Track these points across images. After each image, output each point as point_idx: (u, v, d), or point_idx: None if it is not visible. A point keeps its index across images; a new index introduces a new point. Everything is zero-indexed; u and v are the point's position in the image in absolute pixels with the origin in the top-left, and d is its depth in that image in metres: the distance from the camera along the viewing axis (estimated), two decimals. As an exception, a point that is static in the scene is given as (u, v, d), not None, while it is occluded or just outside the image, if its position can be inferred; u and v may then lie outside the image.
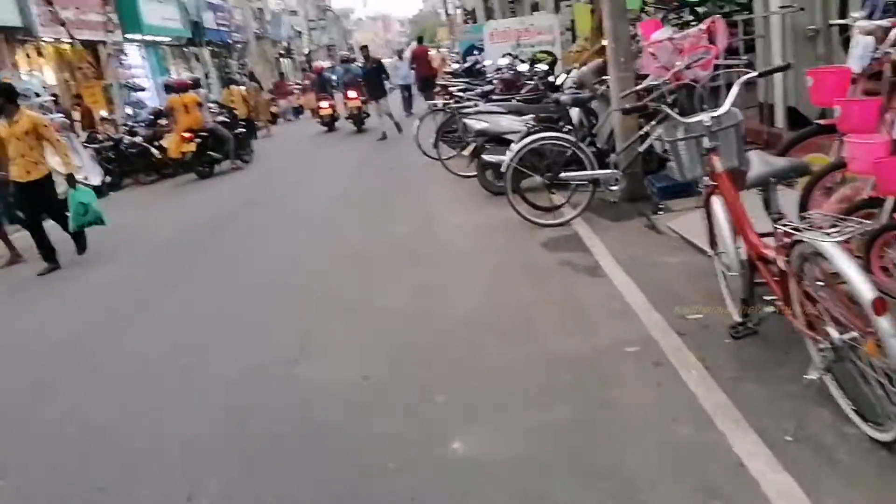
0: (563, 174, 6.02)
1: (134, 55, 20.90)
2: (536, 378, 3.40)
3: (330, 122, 18.04)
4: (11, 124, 7.16)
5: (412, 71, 18.44)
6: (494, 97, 8.93)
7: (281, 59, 45.65)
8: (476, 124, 7.51)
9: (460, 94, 10.22)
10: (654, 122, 5.84)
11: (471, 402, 3.29)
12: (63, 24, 14.35)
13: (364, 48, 16.90)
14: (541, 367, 3.50)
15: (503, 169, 6.04)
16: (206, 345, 4.61)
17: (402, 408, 3.34)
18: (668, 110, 3.55)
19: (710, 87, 6.19)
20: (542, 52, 13.28)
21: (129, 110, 16.69)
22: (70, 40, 14.80)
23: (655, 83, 6.18)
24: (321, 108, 17.96)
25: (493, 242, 5.94)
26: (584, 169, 6.08)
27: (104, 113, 15.30)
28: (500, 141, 7.45)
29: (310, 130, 19.34)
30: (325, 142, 16.72)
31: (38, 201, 7.59)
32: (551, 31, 13.33)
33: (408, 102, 18.84)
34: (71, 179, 7.49)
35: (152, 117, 15.25)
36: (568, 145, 5.96)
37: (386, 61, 18.43)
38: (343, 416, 3.37)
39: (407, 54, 20.70)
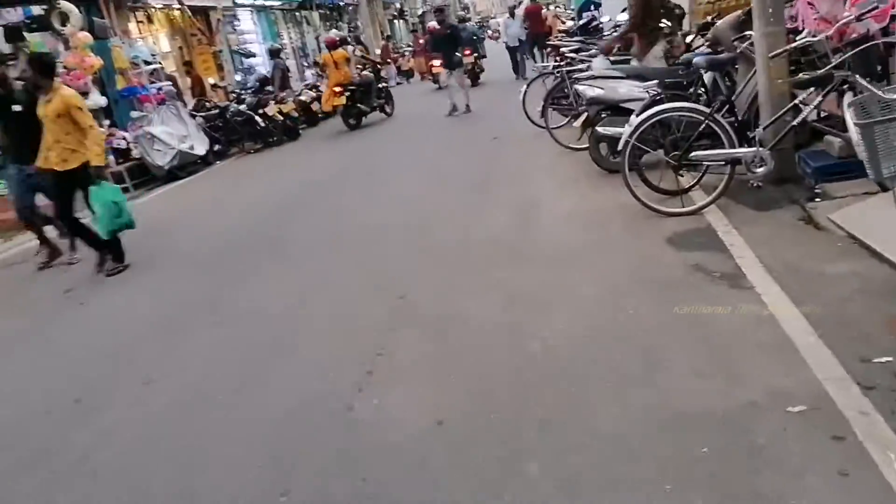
0: (694, 153, 4.97)
1: (246, 20, 20.89)
2: (659, 449, 2.53)
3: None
4: (45, 104, 6.07)
5: (524, 30, 17.19)
6: (612, 59, 7.83)
7: (395, 21, 45.25)
8: (589, 91, 6.53)
9: (572, 54, 9.14)
10: (812, 90, 4.68)
11: (572, 478, 2.48)
12: (172, -10, 14.24)
13: (439, 11, 15.37)
14: (665, 432, 2.62)
15: (620, 147, 5.06)
16: (264, 360, 4.03)
17: (481, 480, 2.57)
18: (861, 81, 2.52)
19: (885, 44, 4.98)
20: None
21: (238, 77, 16.58)
22: (179, 6, 14.70)
23: (814, 39, 5.01)
24: (433, 66, 17.68)
25: (606, 236, 5.01)
26: (721, 146, 5.01)
27: (212, 80, 15.23)
28: (617, 110, 6.46)
29: (418, 90, 19.21)
30: (431, 105, 16.02)
31: (73, 194, 6.40)
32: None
33: (518, 65, 17.65)
34: (98, 172, 6.19)
35: (259, 84, 15.03)
36: (701, 117, 4.89)
37: (499, 19, 17.58)
38: (404, 481, 2.66)
39: (519, 12, 19.29)
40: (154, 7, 14.83)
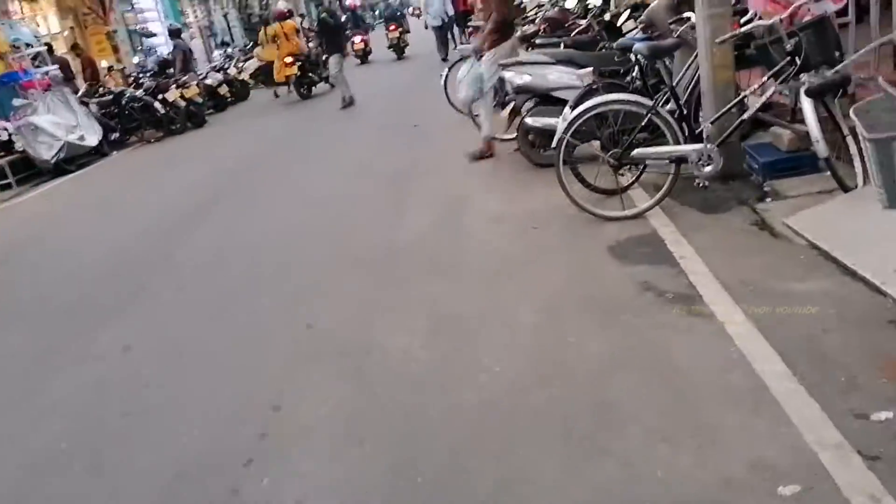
0: (636, 150, 4.46)
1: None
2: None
3: (363, 56, 19.75)
4: None
5: (445, 8, 16.13)
6: (538, 42, 7.28)
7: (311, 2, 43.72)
8: (516, 78, 5.95)
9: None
10: (768, 79, 4.24)
11: None
12: (55, -37, 12.85)
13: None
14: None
15: (554, 144, 4.50)
16: (129, 424, 3.30)
17: None
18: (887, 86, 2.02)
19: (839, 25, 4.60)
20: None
21: (136, 59, 15.28)
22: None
23: (764, 23, 4.56)
24: (355, 43, 19.09)
25: (540, 244, 4.46)
26: (663, 141, 4.52)
27: (106, 63, 13.92)
28: (547, 99, 5.92)
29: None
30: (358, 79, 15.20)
31: None
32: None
33: (442, 45, 16.34)
34: None
35: (158, 67, 13.85)
36: (643, 110, 4.38)
37: None
38: None
39: None
40: (36, -19, 13.40)
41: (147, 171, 10.35)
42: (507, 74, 6.01)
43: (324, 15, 13.06)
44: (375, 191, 6.51)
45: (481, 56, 6.57)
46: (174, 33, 13.85)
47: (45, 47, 12.84)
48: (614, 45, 5.30)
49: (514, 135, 6.29)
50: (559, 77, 5.75)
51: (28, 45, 11.72)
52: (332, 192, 6.83)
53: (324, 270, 4.78)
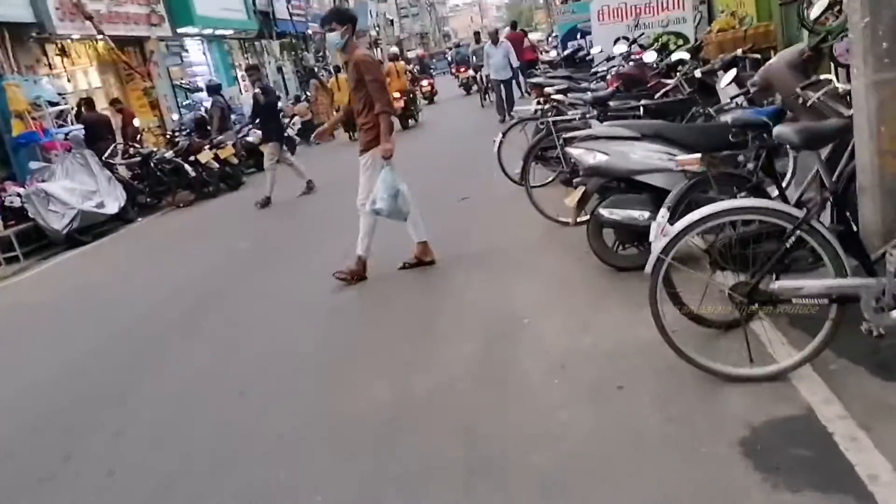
0: (777, 284, 2.96)
1: (194, 51, 18.90)
2: None
3: (430, 97, 22.68)
4: None
5: (513, 57, 14.73)
6: (613, 105, 5.89)
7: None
8: (587, 157, 4.56)
9: (560, 96, 7.19)
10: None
11: None
12: (90, 18, 12.21)
13: (252, 70, 11.85)
14: None
15: (648, 269, 3.05)
16: None
17: None
18: None
19: None
20: (668, 33, 10.08)
21: (175, 116, 14.53)
22: (101, 36, 12.65)
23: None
24: (423, 86, 21.81)
25: (630, 429, 2.93)
26: (812, 263, 3.04)
27: (138, 122, 13.12)
28: (629, 184, 4.52)
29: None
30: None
31: None
32: (682, 6, 10.03)
33: (507, 102, 14.41)
34: None
35: (195, 125, 13.01)
36: (789, 224, 2.90)
37: (483, 47, 15.80)
38: None
39: (503, 39, 17.46)
40: (70, 38, 12.76)
41: (165, 244, 9.29)
42: (577, 152, 4.62)
43: (257, 91, 10.57)
44: (401, 300, 5.14)
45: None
46: (212, 89, 13.02)
47: (73, 104, 12.13)
48: (730, 119, 3.84)
49: (580, 216, 4.87)
50: (645, 157, 4.33)
51: (51, 102, 10.95)
52: (331, 303, 5.49)
53: (286, 456, 3.38)
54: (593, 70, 9.13)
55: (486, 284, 4.98)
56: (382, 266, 5.74)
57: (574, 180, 4.82)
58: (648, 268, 3.04)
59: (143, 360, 4.93)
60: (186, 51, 18.55)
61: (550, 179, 7.42)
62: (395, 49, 22.23)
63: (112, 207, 10.44)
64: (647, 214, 4.33)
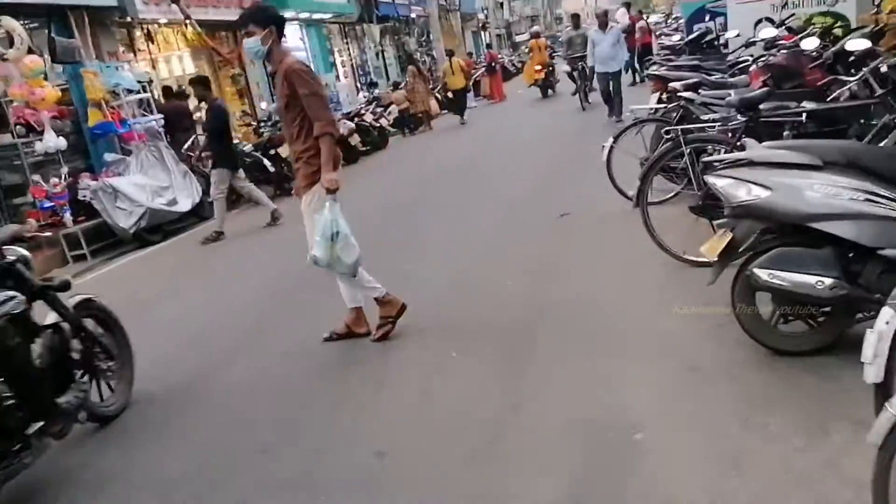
0: None
1: (292, 36, 18.25)
2: None
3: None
4: None
5: (621, 49, 12.33)
6: (764, 111, 4.38)
7: (479, 34, 42.45)
8: (738, 190, 3.17)
9: (688, 93, 5.70)
10: None
11: None
12: (176, 2, 11.55)
13: (197, 84, 9.54)
14: None
15: (874, 438, 1.70)
16: None
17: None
18: None
19: None
20: (824, 14, 8.27)
21: (263, 105, 13.83)
22: (187, 20, 12.01)
23: None
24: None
25: None
26: None
27: (237, 111, 12.43)
28: (801, 233, 3.10)
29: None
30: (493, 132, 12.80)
31: None
32: (843, -20, 8.19)
33: (609, 98, 12.13)
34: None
35: (279, 117, 12.19)
36: None
37: (587, 32, 13.85)
38: None
39: (620, 21, 15.93)
40: (156, 23, 12.22)
41: (234, 247, 8.46)
42: (723, 182, 3.22)
43: (199, 114, 8.97)
44: (452, 389, 3.91)
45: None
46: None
47: (159, 92, 11.59)
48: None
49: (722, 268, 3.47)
50: (832, 197, 2.90)
51: (129, 90, 10.36)
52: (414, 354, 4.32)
53: None
54: (731, 59, 7.51)
55: (576, 364, 3.63)
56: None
57: (716, 221, 3.41)
58: (875, 437, 1.68)
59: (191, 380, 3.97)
60: (284, 36, 17.88)
61: (673, 195, 6.01)
62: (536, 28, 24.07)
63: (185, 205, 9.76)
64: (829, 282, 2.92)
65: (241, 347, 4.86)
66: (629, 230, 5.19)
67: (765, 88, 4.32)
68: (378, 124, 15.09)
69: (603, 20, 12.55)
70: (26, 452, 3.14)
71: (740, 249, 3.24)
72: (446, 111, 20.76)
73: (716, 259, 3.32)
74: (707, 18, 12.31)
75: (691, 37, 12.16)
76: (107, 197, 8.84)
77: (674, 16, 31.08)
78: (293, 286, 6.01)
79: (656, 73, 6.86)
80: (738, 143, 4.08)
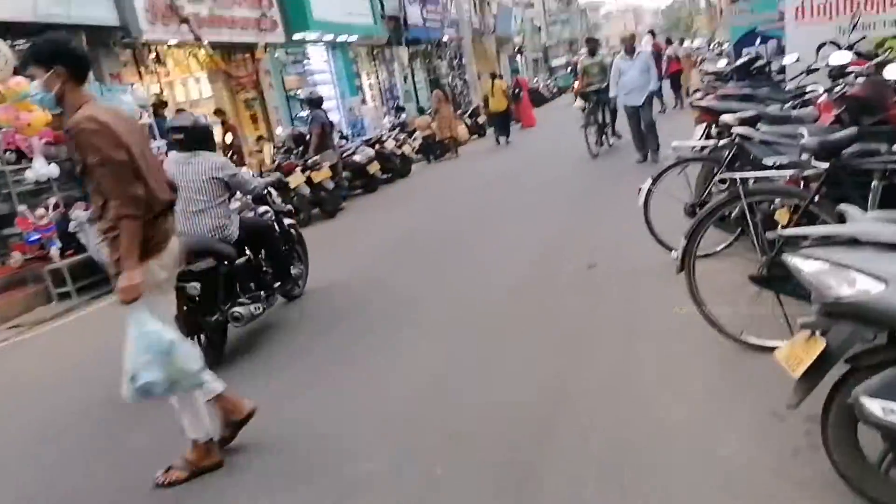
0: None
1: (316, 58, 17.66)
2: None
3: None
4: None
5: (650, 77, 10.32)
6: (852, 153, 3.40)
7: (516, 58, 41.80)
8: (836, 279, 2.16)
9: (744, 129, 4.72)
10: None
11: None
12: (185, 21, 10.99)
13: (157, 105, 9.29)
14: None
15: None
16: None
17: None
18: None
19: None
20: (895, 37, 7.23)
21: (279, 131, 13.13)
22: (196, 40, 11.39)
23: None
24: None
25: None
26: None
27: (229, 138, 11.69)
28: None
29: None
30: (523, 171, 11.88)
31: None
32: (922, -2, 7.14)
33: (646, 132, 10.24)
34: None
35: (294, 142, 11.45)
36: None
37: (611, 60, 12.48)
38: None
39: (646, 47, 14.63)
40: (165, 44, 11.60)
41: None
42: (813, 268, 2.24)
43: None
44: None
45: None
46: (313, 103, 11.44)
47: (171, 115, 10.93)
48: None
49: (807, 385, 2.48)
50: None
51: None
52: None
53: None
54: (791, 89, 6.50)
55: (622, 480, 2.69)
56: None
57: (802, 320, 2.41)
58: None
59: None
60: (308, 58, 17.31)
61: (725, 246, 5.03)
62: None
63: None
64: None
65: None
66: (667, 291, 4.22)
67: (853, 128, 3.32)
68: (400, 151, 14.30)
69: (630, 45, 10.67)
70: (273, 298, 5.61)
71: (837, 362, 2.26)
72: (476, 136, 20.01)
73: (799, 370, 2.33)
74: (758, 42, 11.31)
75: (739, 62, 11.11)
76: (90, 230, 8.12)
77: (717, 40, 29.97)
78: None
79: (703, 103, 5.88)
80: (819, 201, 3.12)
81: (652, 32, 17.90)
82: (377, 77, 21.38)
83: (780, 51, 11.23)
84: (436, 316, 5.28)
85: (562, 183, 10.09)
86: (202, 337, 4.90)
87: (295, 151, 11.26)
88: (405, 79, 21.92)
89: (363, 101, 18.49)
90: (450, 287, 5.99)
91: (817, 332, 2.31)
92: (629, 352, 3.90)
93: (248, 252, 5.45)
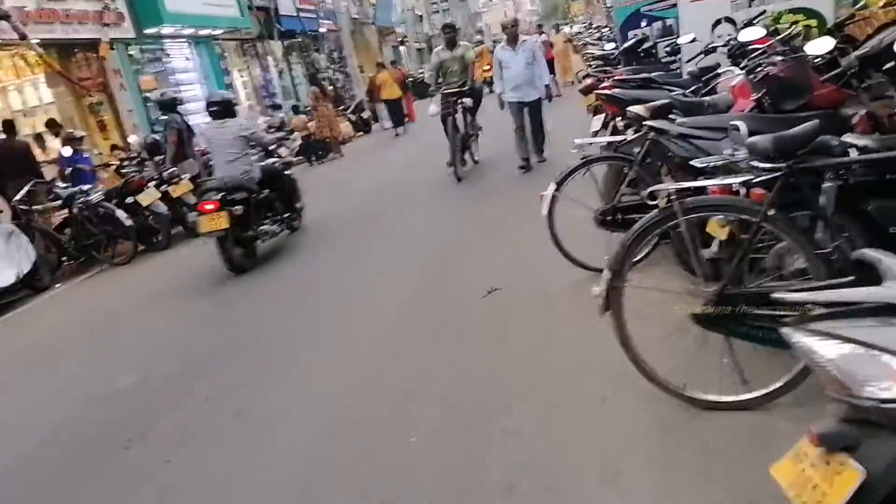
0: None
1: (177, 55, 16.03)
2: None
3: None
4: None
5: (539, 69, 8.89)
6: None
7: (400, 48, 40.75)
8: (874, 372, 1.35)
9: (660, 123, 3.98)
10: None
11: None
12: (5, 17, 9.34)
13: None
14: None
15: None
16: None
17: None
18: None
19: None
20: (790, 11, 6.77)
21: (132, 139, 11.56)
22: (20, 39, 9.70)
23: None
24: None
25: None
26: None
27: (67, 151, 10.03)
28: None
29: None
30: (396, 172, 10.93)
31: None
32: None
33: (534, 132, 8.90)
34: None
35: (149, 152, 10.00)
36: None
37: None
38: None
39: (532, 39, 11.40)
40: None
41: (61, 333, 6.33)
42: (830, 351, 1.43)
43: None
44: None
45: None
46: (166, 105, 10.03)
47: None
48: None
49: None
50: None
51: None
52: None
53: None
54: (695, 69, 5.86)
55: None
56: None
57: (816, 430, 1.59)
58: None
59: None
60: (168, 55, 15.66)
61: (639, 258, 4.30)
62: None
63: (6, 277, 7.53)
64: None
65: None
66: (587, 320, 3.41)
67: (814, 122, 2.58)
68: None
69: (512, 32, 8.89)
70: (282, 226, 7.61)
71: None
72: (361, 133, 18.96)
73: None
74: (643, 24, 10.86)
75: (627, 44, 10.65)
76: None
77: (593, 25, 30.01)
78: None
79: (607, 91, 5.10)
80: (774, 215, 2.36)
81: (539, 26, 17.33)
82: (250, 74, 19.87)
83: (666, 32, 10.90)
84: (306, 371, 4.28)
85: (452, 190, 9.11)
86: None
87: (149, 162, 9.85)
88: (281, 74, 20.48)
89: (235, 102, 16.99)
90: (325, 331, 4.98)
91: (842, 452, 1.50)
92: (545, 423, 3.05)
93: (266, 190, 7.39)
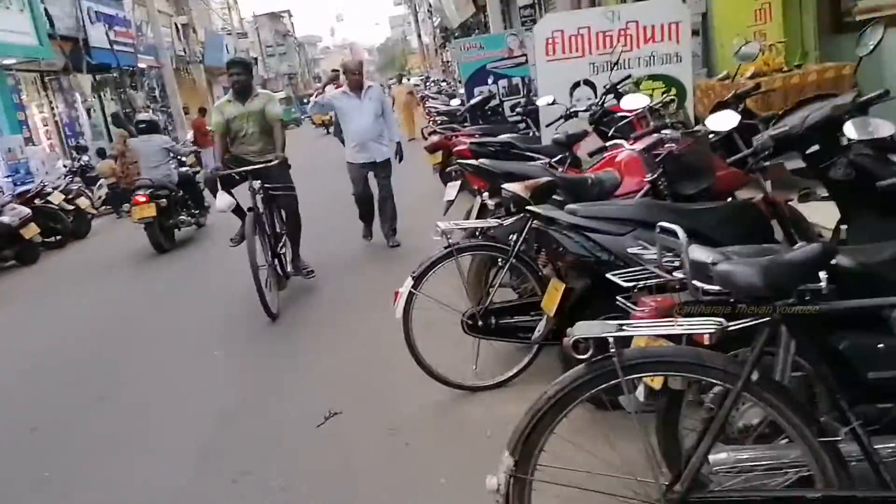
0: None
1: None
2: None
3: None
4: None
5: (387, 124, 7.13)
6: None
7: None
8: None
9: (550, 210, 3.13)
10: None
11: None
12: None
13: None
14: None
15: None
16: None
17: None
18: None
19: None
20: (654, 77, 6.39)
21: None
22: None
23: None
24: None
25: None
26: None
27: None
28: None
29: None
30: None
31: None
32: (675, 36, 6.37)
33: (382, 203, 7.12)
34: None
35: None
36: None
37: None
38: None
39: (374, 82, 9.20)
40: None
41: None
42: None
43: None
44: None
45: None
46: None
47: None
48: None
49: None
50: None
51: None
52: None
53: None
54: (561, 134, 5.18)
55: None
56: None
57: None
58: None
59: None
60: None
61: (524, 365, 3.43)
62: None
63: None
64: None
65: None
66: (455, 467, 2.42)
67: (814, 247, 1.78)
68: (73, 206, 11.14)
69: (356, 79, 6.90)
70: (193, 219, 9.81)
71: None
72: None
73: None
74: (490, 81, 10.40)
75: (473, 101, 10.13)
76: None
77: (430, 79, 30.02)
78: None
79: (474, 162, 4.17)
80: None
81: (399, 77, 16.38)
82: (51, 109, 17.44)
83: (513, 90, 10.53)
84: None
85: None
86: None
87: None
88: (90, 112, 18.14)
89: (29, 141, 14.65)
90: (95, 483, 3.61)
91: None
92: None
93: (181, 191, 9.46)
